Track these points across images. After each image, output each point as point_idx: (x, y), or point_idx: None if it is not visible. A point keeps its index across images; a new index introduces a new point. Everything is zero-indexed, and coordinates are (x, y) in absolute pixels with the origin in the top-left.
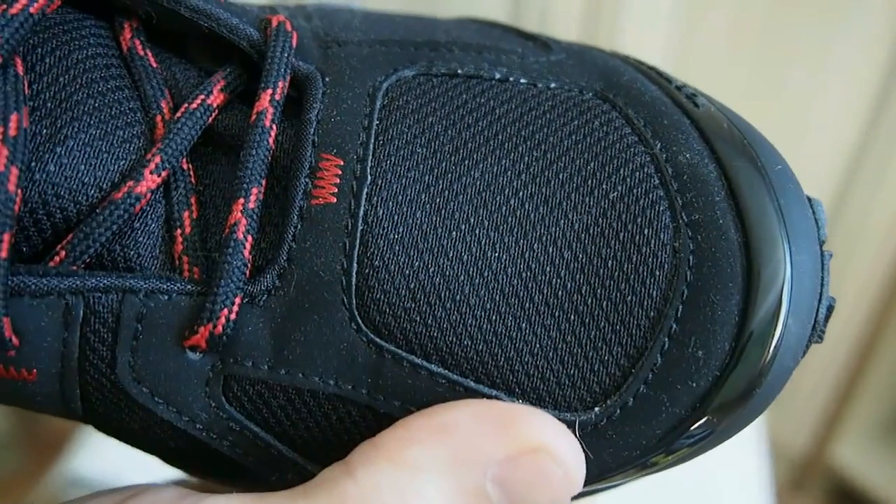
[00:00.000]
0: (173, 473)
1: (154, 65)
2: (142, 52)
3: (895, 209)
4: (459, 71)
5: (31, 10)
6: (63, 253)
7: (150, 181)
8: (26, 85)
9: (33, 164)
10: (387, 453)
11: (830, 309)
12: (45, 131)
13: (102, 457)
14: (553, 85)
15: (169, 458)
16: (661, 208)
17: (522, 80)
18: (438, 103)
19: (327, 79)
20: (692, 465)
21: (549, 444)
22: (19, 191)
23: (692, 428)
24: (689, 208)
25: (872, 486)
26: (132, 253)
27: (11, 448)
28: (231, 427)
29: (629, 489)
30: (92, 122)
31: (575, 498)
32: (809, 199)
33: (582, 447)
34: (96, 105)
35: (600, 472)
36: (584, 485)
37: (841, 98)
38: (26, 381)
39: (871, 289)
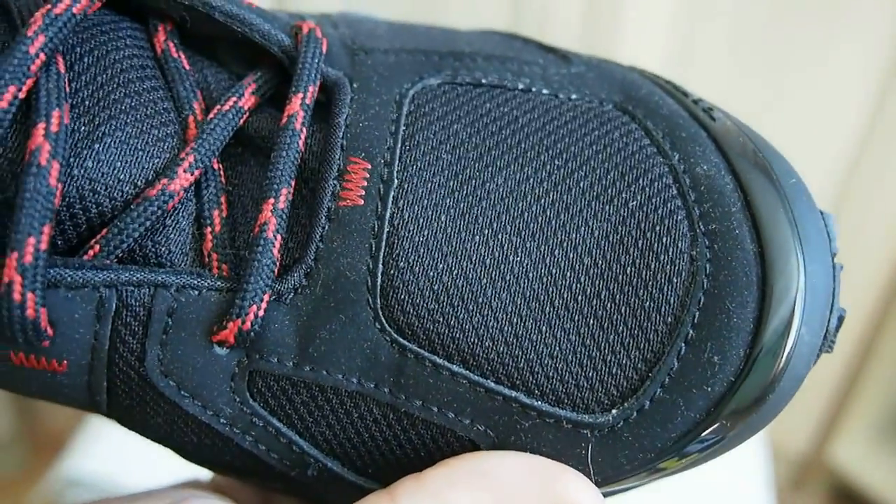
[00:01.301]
0: (173, 473)
1: (187, 67)
2: (175, 55)
3: (895, 209)
4: (484, 80)
5: (75, 10)
6: (97, 247)
7: (183, 179)
8: (66, 83)
9: (72, 159)
10: (431, 489)
11: (841, 319)
12: (83, 128)
13: (102, 457)
14: (574, 96)
15: (190, 454)
16: (679, 217)
17: (545, 91)
18: (463, 111)
19: (355, 85)
20: None
21: (578, 501)
22: (59, 185)
23: (705, 433)
24: (706, 218)
25: (872, 486)
26: (163, 249)
27: (11, 448)
28: (254, 422)
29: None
30: (128, 120)
31: None
32: (822, 213)
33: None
34: (132, 104)
35: (615, 475)
36: (598, 487)
37: (841, 98)
38: (56, 372)
39: (872, 290)
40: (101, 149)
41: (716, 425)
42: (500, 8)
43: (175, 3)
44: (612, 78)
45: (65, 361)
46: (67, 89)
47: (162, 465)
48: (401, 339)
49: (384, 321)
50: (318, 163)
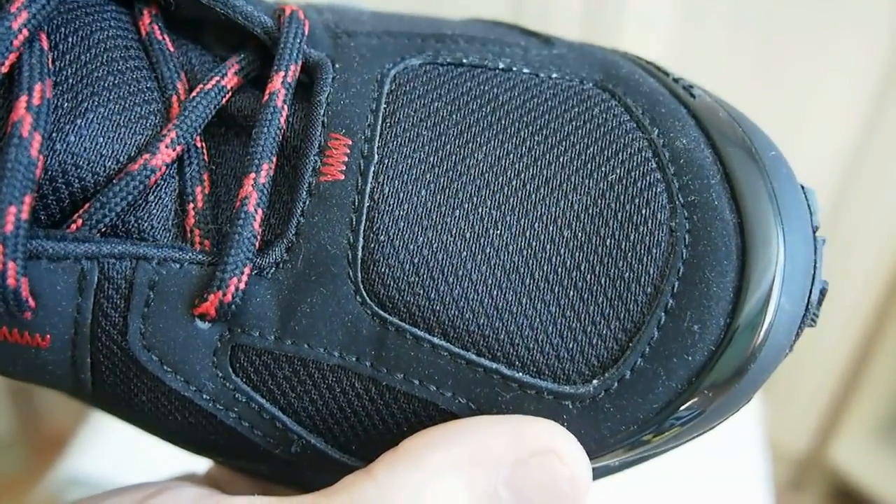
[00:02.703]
0: (173, 473)
1: (171, 49)
2: (160, 37)
3: (895, 209)
4: (465, 60)
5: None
6: (80, 221)
7: (165, 155)
8: (50, 60)
9: (54, 134)
10: (406, 456)
11: (823, 292)
12: (66, 105)
13: (102, 457)
14: (555, 75)
15: (176, 436)
16: (659, 190)
17: (525, 71)
18: (444, 90)
19: (337, 65)
20: (693, 464)
21: (557, 446)
22: (41, 157)
23: (686, 404)
24: (685, 190)
25: (872, 486)
26: (146, 224)
27: (11, 448)
28: (237, 398)
29: (629, 488)
30: (111, 97)
31: None
32: (803, 187)
33: (581, 422)
34: (115, 82)
35: (598, 448)
36: None
37: (841, 98)
38: (40, 347)
39: (872, 289)
40: (83, 124)
41: (697, 396)
42: (499, 7)
43: None
44: (593, 58)
45: (48, 336)
46: (51, 66)
47: (162, 465)
48: (381, 312)
49: (365, 294)
50: (300, 140)
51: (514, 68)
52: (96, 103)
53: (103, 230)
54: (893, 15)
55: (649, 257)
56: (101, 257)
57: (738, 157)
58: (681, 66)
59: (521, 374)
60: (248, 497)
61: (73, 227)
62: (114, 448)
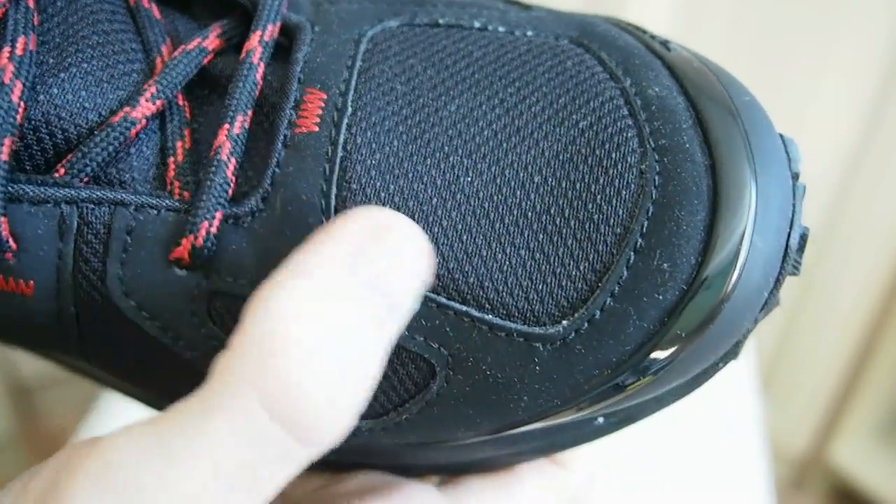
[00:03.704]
0: None
1: (158, 16)
2: (147, 5)
3: (895, 209)
4: (441, 21)
5: None
6: (62, 170)
7: (145, 108)
8: (36, 18)
9: (38, 87)
10: (250, 319)
11: (804, 238)
12: (51, 60)
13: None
14: (530, 33)
15: (161, 392)
16: (630, 134)
17: (501, 29)
18: (420, 48)
19: (317, 28)
20: (693, 464)
21: (383, 218)
22: (22, 103)
23: (660, 344)
24: (656, 134)
25: (872, 486)
26: (127, 176)
27: (11, 448)
28: (215, 347)
29: (629, 488)
30: (95, 55)
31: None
32: (782, 136)
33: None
34: (100, 41)
35: (573, 394)
36: (560, 408)
37: (841, 98)
38: (25, 295)
39: (871, 289)
40: (66, 78)
41: (670, 336)
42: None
43: None
44: (571, 19)
45: (31, 282)
46: (36, 22)
47: None
48: None
49: None
50: (277, 96)
51: (490, 27)
52: (80, 59)
53: (85, 179)
54: (893, 15)
55: (618, 199)
56: (79, 202)
57: (711, 103)
58: None
59: (490, 316)
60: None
61: (56, 175)
62: None
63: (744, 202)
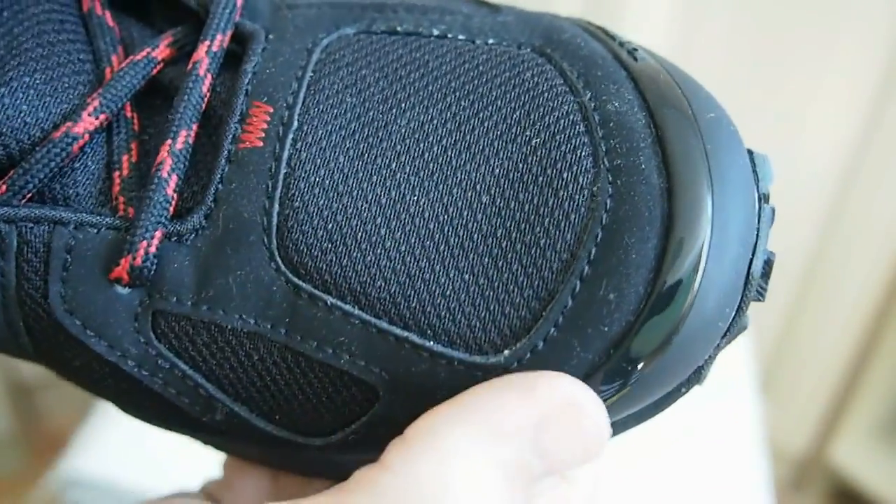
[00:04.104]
0: (172, 473)
1: (110, 24)
2: (100, 13)
3: (895, 209)
4: (399, 28)
5: None
6: (3, 188)
7: (87, 122)
8: None
9: None
10: (417, 441)
11: (769, 263)
12: None
13: (102, 457)
14: (491, 41)
15: (116, 401)
16: (584, 154)
17: (461, 37)
18: (374, 57)
19: (271, 36)
20: (693, 464)
21: (574, 396)
22: None
23: (604, 377)
24: (612, 154)
25: (872, 486)
26: (71, 191)
27: (11, 448)
28: (160, 364)
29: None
30: (38, 67)
31: None
32: (752, 153)
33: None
34: (44, 53)
35: None
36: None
37: (841, 98)
38: None
39: (871, 289)
40: (6, 93)
41: (615, 367)
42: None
43: None
44: (538, 24)
45: None
46: None
47: (161, 465)
48: (295, 279)
49: (279, 261)
50: (224, 108)
51: (450, 35)
52: (22, 73)
53: (28, 196)
54: (893, 15)
55: (566, 223)
56: (18, 221)
57: (672, 119)
58: (681, 66)
59: (432, 343)
60: None
61: (1, 188)
62: (114, 448)
63: (699, 229)
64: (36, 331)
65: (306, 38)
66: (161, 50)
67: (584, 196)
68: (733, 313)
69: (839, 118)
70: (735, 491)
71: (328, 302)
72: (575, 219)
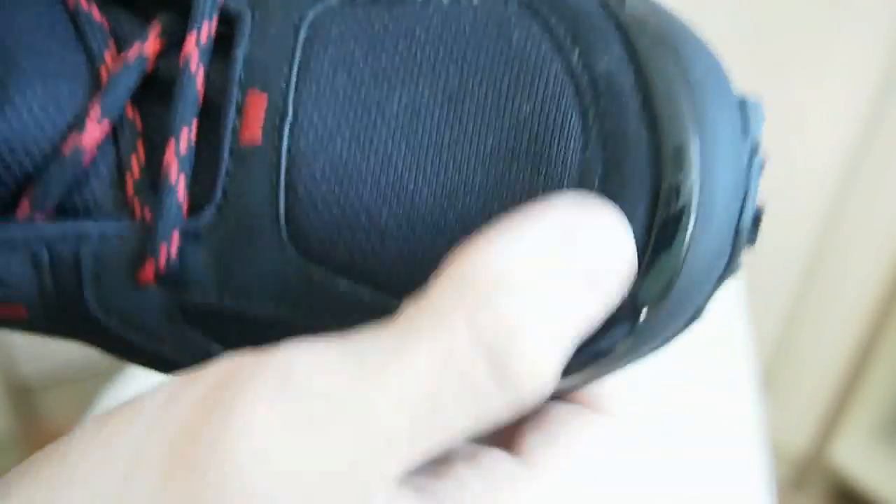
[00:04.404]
0: None
1: (98, 18)
2: (86, 8)
3: (895, 209)
4: None
5: None
6: (27, 203)
7: (92, 133)
8: None
9: None
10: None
11: (758, 215)
12: None
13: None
14: (476, 2)
15: (161, 371)
16: (573, 121)
17: (445, 0)
18: (360, 29)
19: (256, 14)
20: (692, 464)
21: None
22: None
23: (611, 327)
24: (601, 118)
25: (872, 486)
26: (89, 198)
27: (11, 448)
28: (198, 347)
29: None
30: (37, 79)
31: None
32: (744, 101)
33: None
34: (40, 64)
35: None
36: None
37: (841, 98)
38: (21, 317)
39: (871, 289)
40: (10, 110)
41: (619, 316)
42: None
43: None
44: None
45: (24, 308)
46: None
47: None
48: (308, 264)
49: (290, 247)
50: (221, 98)
51: (433, 1)
52: (22, 87)
53: (51, 209)
54: (893, 15)
55: (560, 193)
56: (46, 240)
57: (661, 77)
58: None
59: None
60: (306, 342)
61: (23, 208)
62: None
63: (685, 191)
64: (80, 331)
65: (291, 12)
66: (151, 44)
67: (575, 164)
68: (726, 260)
69: (839, 118)
70: (735, 491)
71: (341, 284)
72: (567, 188)
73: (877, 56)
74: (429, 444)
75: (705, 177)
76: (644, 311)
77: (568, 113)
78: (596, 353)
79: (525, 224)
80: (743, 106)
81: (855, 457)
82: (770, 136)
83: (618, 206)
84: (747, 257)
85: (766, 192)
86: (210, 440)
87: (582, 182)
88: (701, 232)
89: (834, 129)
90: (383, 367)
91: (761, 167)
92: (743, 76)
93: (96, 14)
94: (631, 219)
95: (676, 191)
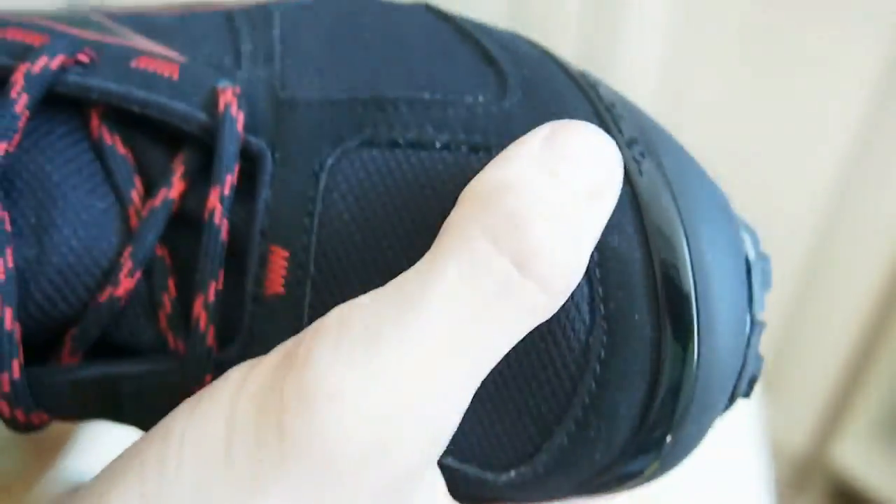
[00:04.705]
0: None
1: (121, 151)
2: (109, 141)
3: (895, 209)
4: (401, 140)
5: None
6: (69, 343)
7: (126, 283)
8: (7, 221)
9: (27, 275)
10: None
11: (754, 378)
12: (30, 251)
13: (102, 457)
14: (495, 151)
15: None
16: (581, 300)
17: (464, 148)
18: (379, 177)
19: (277, 155)
20: (692, 464)
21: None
22: (16, 323)
23: (596, 482)
24: (608, 299)
25: (872, 486)
26: (126, 334)
27: (11, 448)
28: None
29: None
30: (72, 234)
31: None
32: (761, 259)
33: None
34: (73, 215)
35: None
36: None
37: (841, 98)
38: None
39: (871, 289)
40: (51, 271)
41: (608, 479)
42: (499, 7)
43: (91, 97)
44: (545, 111)
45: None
46: (9, 228)
47: None
48: None
49: None
50: (244, 244)
51: (452, 145)
52: (58, 242)
53: (91, 347)
54: (893, 15)
55: (566, 374)
56: (89, 381)
57: (670, 261)
58: (680, 67)
59: (450, 458)
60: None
61: (65, 347)
62: (113, 448)
63: (686, 380)
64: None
65: (311, 157)
66: (176, 186)
67: (580, 346)
68: (712, 424)
69: (839, 118)
70: (735, 491)
71: None
72: (574, 369)
73: (877, 56)
74: (477, 353)
75: (702, 369)
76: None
77: (576, 291)
78: (626, 476)
79: (518, 146)
80: (750, 274)
81: (855, 457)
82: (770, 135)
83: (615, 395)
84: None
85: (767, 192)
86: (289, 394)
87: (586, 363)
88: (692, 418)
89: (834, 130)
90: (423, 294)
91: (762, 331)
92: (743, 76)
93: (120, 147)
94: (627, 404)
95: (673, 381)
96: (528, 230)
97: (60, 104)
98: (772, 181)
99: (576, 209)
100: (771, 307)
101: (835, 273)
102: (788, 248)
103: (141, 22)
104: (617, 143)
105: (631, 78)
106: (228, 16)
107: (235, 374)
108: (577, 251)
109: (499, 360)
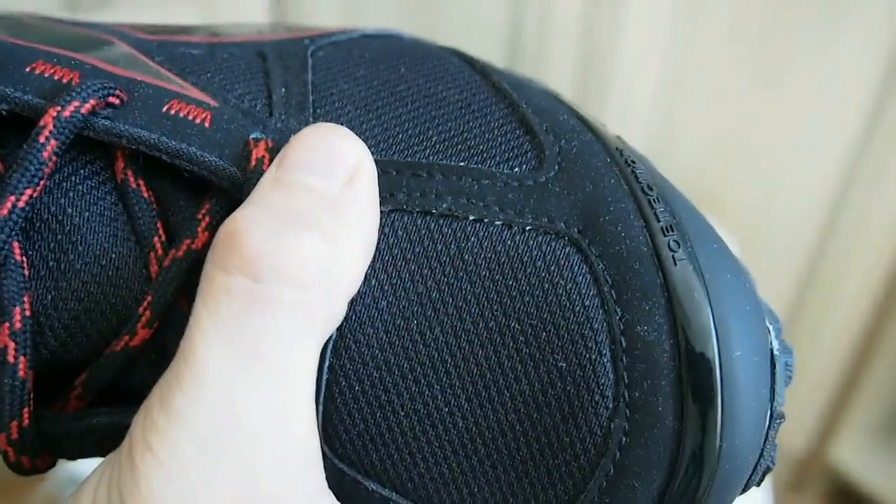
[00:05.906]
0: None
1: (146, 195)
2: (134, 184)
3: (895, 209)
4: (434, 210)
5: (20, 204)
6: (79, 389)
7: (143, 334)
8: (26, 266)
9: (42, 319)
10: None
11: (769, 469)
12: (49, 295)
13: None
14: (529, 227)
15: None
16: (606, 385)
17: (498, 221)
18: (409, 243)
19: None
20: None
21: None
22: (30, 372)
23: None
24: (632, 387)
25: (872, 486)
26: (136, 381)
27: None
28: None
29: None
30: (90, 279)
31: None
32: (783, 349)
33: None
34: (93, 260)
35: None
36: None
37: (841, 98)
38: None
39: (871, 289)
40: (67, 317)
41: None
42: (500, 7)
43: (123, 145)
44: (581, 190)
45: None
46: (26, 272)
47: None
48: (340, 465)
49: (325, 447)
50: None
51: (486, 219)
52: (76, 287)
53: (100, 392)
54: (893, 15)
55: (585, 456)
56: (97, 430)
57: (696, 358)
58: (680, 67)
59: None
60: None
61: (76, 392)
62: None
63: (703, 476)
64: None
65: None
66: (200, 238)
67: (601, 431)
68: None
69: (839, 118)
70: None
71: (369, 487)
72: (593, 453)
73: (877, 56)
74: (271, 376)
75: (723, 463)
76: None
77: (602, 375)
78: None
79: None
80: (774, 367)
81: (855, 457)
82: (770, 135)
83: (633, 481)
84: (747, 257)
85: (766, 192)
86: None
87: (606, 446)
88: (714, 501)
89: (834, 130)
90: (191, 355)
91: (780, 424)
92: (743, 76)
93: (144, 191)
94: (642, 492)
95: (693, 477)
96: (243, 242)
97: (86, 142)
98: (772, 181)
99: (292, 202)
100: (770, 307)
101: (834, 273)
102: (788, 247)
103: (169, 51)
104: (651, 228)
105: (631, 78)
106: (259, 52)
107: (91, 482)
108: (297, 238)
109: (310, 370)
